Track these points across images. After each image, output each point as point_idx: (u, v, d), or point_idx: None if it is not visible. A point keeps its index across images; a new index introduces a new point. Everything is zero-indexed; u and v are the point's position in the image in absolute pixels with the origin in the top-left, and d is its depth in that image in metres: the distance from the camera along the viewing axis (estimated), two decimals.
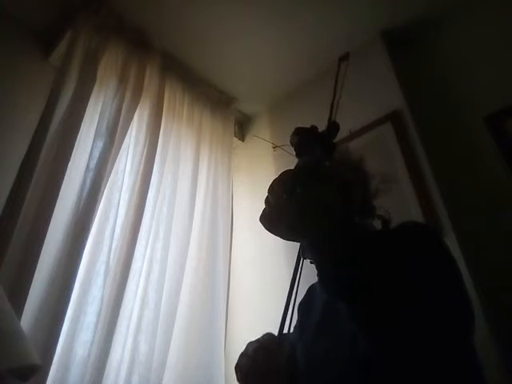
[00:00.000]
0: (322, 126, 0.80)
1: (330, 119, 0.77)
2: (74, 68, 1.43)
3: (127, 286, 1.31)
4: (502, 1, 1.62)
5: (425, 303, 0.55)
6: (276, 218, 0.77)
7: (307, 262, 0.78)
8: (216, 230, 1.75)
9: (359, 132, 1.64)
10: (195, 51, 1.90)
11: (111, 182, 1.41)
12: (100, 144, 1.41)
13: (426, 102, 1.66)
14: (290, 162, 0.81)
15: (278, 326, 0.73)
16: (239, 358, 0.82)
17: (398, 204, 1.36)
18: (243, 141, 2.27)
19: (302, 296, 0.95)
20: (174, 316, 1.45)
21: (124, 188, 1.45)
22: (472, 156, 1.48)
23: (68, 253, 1.19)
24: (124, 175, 1.46)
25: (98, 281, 1.26)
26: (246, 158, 2.19)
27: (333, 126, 0.77)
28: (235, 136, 2.19)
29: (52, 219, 1.19)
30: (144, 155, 1.55)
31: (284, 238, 0.88)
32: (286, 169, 0.85)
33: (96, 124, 1.43)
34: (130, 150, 1.54)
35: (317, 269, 0.67)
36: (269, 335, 0.83)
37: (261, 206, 0.83)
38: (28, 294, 1.07)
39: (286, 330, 0.75)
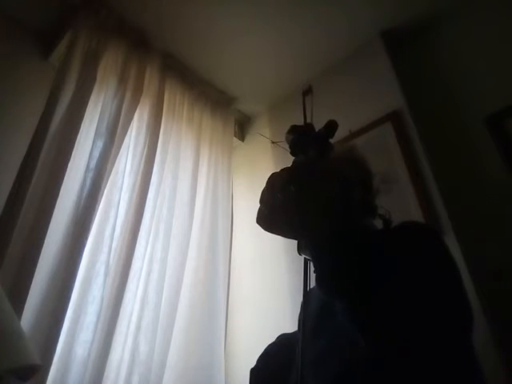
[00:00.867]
0: (321, 127, 0.79)
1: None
2: (73, 68, 1.43)
3: (127, 286, 1.31)
4: (501, 1, 1.62)
5: (425, 303, 0.54)
6: (273, 218, 0.76)
7: None
8: (216, 230, 1.75)
9: (359, 132, 1.64)
10: (195, 51, 1.90)
11: (111, 181, 1.41)
12: (100, 144, 1.41)
13: (426, 102, 1.66)
14: (291, 162, 0.81)
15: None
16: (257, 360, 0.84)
17: (398, 204, 1.36)
18: (243, 141, 2.27)
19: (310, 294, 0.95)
20: (173, 316, 1.45)
21: (124, 188, 1.45)
22: (472, 156, 1.47)
23: (68, 253, 1.19)
24: (124, 175, 1.46)
25: (98, 281, 1.26)
26: (246, 158, 2.19)
27: (330, 126, 0.76)
28: (235, 136, 2.19)
29: (52, 219, 1.19)
30: (144, 155, 1.55)
31: (285, 237, 0.87)
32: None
33: (96, 124, 1.43)
34: (130, 150, 1.54)
35: (315, 267, 0.67)
36: (282, 335, 0.82)
37: None
38: (28, 293, 1.07)
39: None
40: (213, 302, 1.59)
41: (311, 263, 0.75)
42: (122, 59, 1.64)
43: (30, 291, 1.08)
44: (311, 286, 0.81)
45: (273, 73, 2.03)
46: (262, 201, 0.74)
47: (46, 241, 1.16)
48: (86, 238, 1.25)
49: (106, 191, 1.38)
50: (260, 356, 0.89)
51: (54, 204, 1.21)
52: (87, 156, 1.36)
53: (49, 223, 1.18)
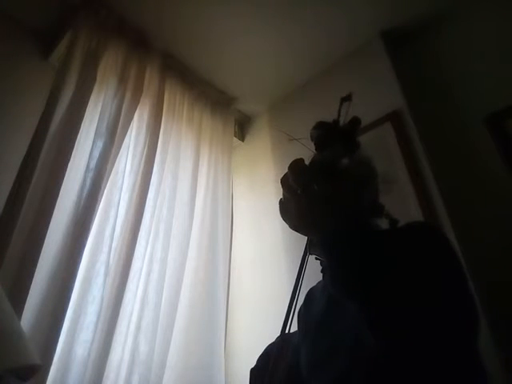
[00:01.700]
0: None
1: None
2: (73, 68, 1.43)
3: (127, 286, 1.31)
4: (501, 1, 1.62)
5: (434, 302, 0.54)
6: (288, 211, 0.73)
7: (311, 258, 0.77)
8: (216, 230, 1.75)
9: (359, 132, 1.64)
10: (195, 51, 1.90)
11: (111, 182, 1.41)
12: (100, 144, 1.41)
13: (426, 102, 1.66)
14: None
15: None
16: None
17: (398, 204, 1.36)
18: (243, 141, 2.27)
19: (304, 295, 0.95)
20: (173, 316, 1.45)
21: (124, 188, 1.45)
22: (472, 156, 1.48)
23: (68, 253, 1.19)
24: (124, 175, 1.46)
25: (98, 281, 1.26)
26: (246, 158, 2.19)
27: (356, 122, 0.75)
28: (235, 136, 2.19)
29: (52, 219, 1.19)
30: (144, 155, 1.55)
31: (298, 231, 0.85)
32: (286, 169, 0.84)
33: (96, 124, 1.43)
34: (130, 150, 1.54)
35: (326, 266, 0.66)
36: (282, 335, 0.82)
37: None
38: (28, 293, 1.07)
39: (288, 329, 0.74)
40: (213, 302, 1.59)
41: (309, 263, 0.74)
42: (121, 59, 1.64)
43: (30, 291, 1.08)
44: (308, 286, 0.81)
45: (273, 73, 2.03)
46: (283, 186, 0.71)
47: (46, 241, 1.16)
48: (86, 238, 1.25)
49: (106, 191, 1.38)
50: (260, 356, 0.89)
51: (54, 204, 1.21)
52: (87, 156, 1.36)
53: (49, 223, 1.18)
